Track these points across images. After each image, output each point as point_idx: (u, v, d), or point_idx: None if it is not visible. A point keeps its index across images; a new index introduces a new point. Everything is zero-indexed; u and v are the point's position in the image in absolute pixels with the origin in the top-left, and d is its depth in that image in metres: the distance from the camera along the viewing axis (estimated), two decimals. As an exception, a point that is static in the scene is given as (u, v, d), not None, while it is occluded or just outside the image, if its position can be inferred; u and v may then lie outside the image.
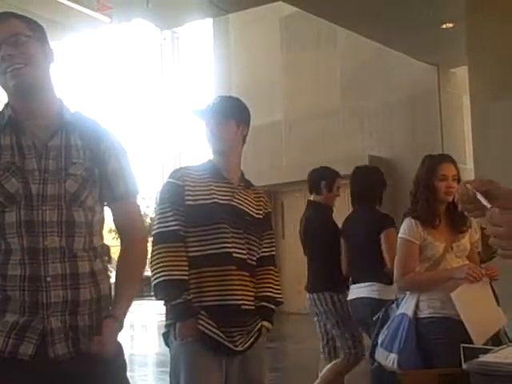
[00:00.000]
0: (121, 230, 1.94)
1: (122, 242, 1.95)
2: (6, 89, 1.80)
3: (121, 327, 1.85)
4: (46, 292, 1.71)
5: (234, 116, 2.59)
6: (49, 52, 1.85)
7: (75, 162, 1.80)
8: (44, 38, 1.86)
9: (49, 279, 1.71)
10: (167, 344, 2.50)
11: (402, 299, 3.19)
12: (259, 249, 2.58)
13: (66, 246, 1.75)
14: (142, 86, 17.62)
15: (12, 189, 1.72)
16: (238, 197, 2.54)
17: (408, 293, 3.16)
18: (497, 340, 2.99)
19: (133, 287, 1.94)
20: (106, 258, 1.92)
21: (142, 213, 17.30)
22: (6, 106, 1.82)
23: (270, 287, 2.58)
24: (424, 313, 3.03)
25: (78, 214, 1.78)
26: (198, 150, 15.60)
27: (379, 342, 3.17)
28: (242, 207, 2.53)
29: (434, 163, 3.17)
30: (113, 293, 1.91)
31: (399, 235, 3.15)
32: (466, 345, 2.53)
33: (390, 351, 3.06)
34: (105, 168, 1.85)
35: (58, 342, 1.72)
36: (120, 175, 1.89)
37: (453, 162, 3.21)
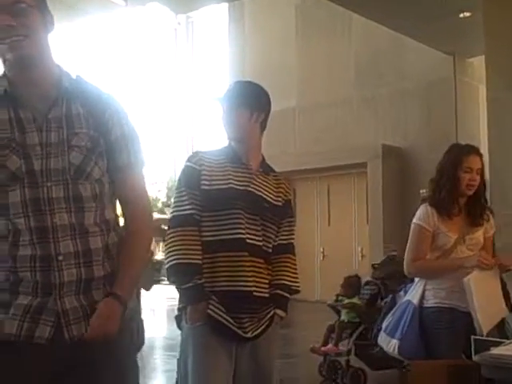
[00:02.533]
0: (123, 203, 1.81)
1: (124, 216, 1.83)
2: (2, 60, 1.69)
3: (124, 308, 1.74)
4: (58, 271, 1.64)
5: (247, 103, 2.54)
6: (49, 20, 1.74)
7: (78, 133, 1.70)
8: (45, 5, 1.74)
9: (60, 258, 1.64)
10: (179, 327, 2.51)
11: (410, 287, 3.20)
12: (276, 236, 2.56)
13: (76, 222, 1.67)
14: (155, 70, 17.59)
15: (13, 166, 1.63)
16: (255, 182, 2.52)
17: (416, 280, 3.16)
18: (503, 332, 3.00)
19: (137, 264, 1.82)
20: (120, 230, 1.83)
21: (154, 197, 17.36)
22: (1, 77, 1.72)
23: (287, 275, 2.56)
24: (429, 302, 3.04)
25: (84, 188, 1.69)
26: (210, 135, 15.58)
27: (383, 327, 3.19)
28: (259, 193, 2.51)
29: (461, 154, 3.13)
30: None
31: (414, 221, 3.14)
32: (477, 337, 2.53)
33: (392, 337, 3.09)
34: (109, 136, 1.75)
35: (73, 323, 1.65)
36: (124, 144, 1.77)
37: (479, 154, 3.16)
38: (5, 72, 1.72)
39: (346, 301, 5.66)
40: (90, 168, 1.70)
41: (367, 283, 5.65)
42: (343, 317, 5.65)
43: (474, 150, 3.17)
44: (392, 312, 3.20)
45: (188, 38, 18.02)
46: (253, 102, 2.55)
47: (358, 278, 5.98)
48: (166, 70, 17.90)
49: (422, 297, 3.05)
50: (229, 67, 13.80)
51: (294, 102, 11.98)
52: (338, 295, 5.89)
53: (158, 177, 16.91)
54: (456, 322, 2.94)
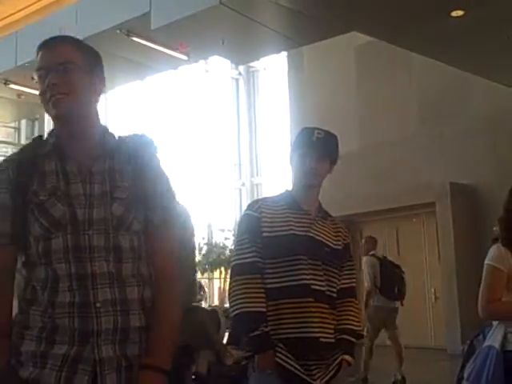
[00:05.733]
0: (154, 260, 1.80)
1: (154, 273, 1.80)
2: (49, 116, 1.80)
3: (166, 379, 1.72)
4: (96, 318, 1.65)
5: (331, 156, 2.61)
6: (98, 83, 1.83)
7: (120, 186, 1.76)
8: (97, 67, 1.84)
9: (98, 305, 1.65)
10: (247, 376, 2.50)
11: (489, 331, 3.07)
12: (339, 280, 2.55)
13: (115, 272, 1.70)
14: (219, 119, 18.00)
15: (57, 214, 1.68)
16: (315, 228, 2.53)
17: (495, 324, 3.04)
18: None
19: (172, 327, 1.77)
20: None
21: (222, 244, 17.46)
22: (51, 132, 1.83)
23: (351, 319, 2.54)
24: None
25: (124, 239, 1.73)
26: (276, 182, 15.67)
27: (465, 375, 3.05)
28: (319, 238, 2.52)
29: None
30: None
31: (486, 261, 3.04)
32: None
33: None
34: (147, 193, 1.79)
35: (107, 373, 1.64)
36: (159, 201, 1.81)
37: None
38: (54, 128, 1.83)
39: None
40: (130, 220, 1.74)
41: None
42: None
43: None
44: (473, 359, 3.06)
45: (249, 87, 18.38)
46: (334, 155, 2.62)
47: None
48: (230, 120, 18.28)
49: (505, 339, 2.91)
50: (290, 113, 13.95)
51: (357, 144, 11.93)
52: None
53: (225, 224, 17.05)
54: None
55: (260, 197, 2.72)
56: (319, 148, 2.55)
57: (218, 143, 17.72)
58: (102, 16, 8.02)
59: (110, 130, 1.87)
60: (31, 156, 1.77)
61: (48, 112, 1.79)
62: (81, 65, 1.78)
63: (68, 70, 1.75)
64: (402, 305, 7.77)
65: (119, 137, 1.87)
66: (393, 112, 11.66)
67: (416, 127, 11.37)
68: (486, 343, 3.02)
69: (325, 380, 2.39)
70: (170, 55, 8.30)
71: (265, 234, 2.46)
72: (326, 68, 12.88)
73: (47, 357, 1.64)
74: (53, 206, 1.69)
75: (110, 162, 1.78)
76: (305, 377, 2.36)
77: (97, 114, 1.85)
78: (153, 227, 1.79)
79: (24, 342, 1.67)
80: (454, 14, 6.80)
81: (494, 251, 3.02)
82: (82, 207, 1.70)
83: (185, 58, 8.42)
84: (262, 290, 2.41)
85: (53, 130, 1.83)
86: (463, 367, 3.11)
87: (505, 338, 2.93)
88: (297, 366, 2.36)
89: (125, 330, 1.68)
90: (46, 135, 1.85)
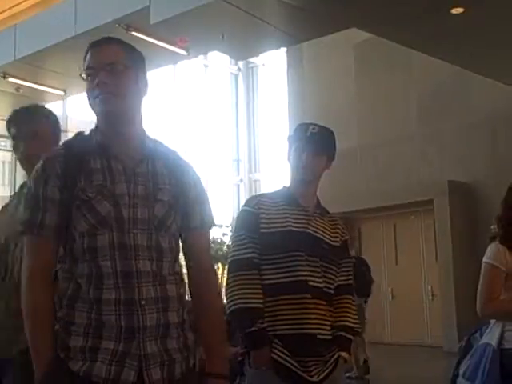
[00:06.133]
0: (191, 260, 1.92)
1: (192, 276, 1.92)
2: (95, 113, 1.85)
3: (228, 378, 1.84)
4: (141, 316, 1.70)
5: (327, 151, 2.59)
6: (143, 84, 1.88)
7: (162, 188, 1.82)
8: (142, 69, 1.89)
9: (143, 302, 1.71)
10: (243, 372, 2.50)
11: (486, 328, 3.07)
12: (336, 277, 2.55)
13: (157, 270, 1.76)
14: (218, 114, 17.96)
15: (104, 211, 1.73)
16: (313, 224, 2.53)
17: (492, 322, 3.03)
18: None
19: (222, 326, 1.91)
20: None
21: (219, 240, 17.53)
22: (95, 130, 1.86)
23: (349, 316, 2.54)
24: (510, 343, 2.90)
25: (164, 240, 1.79)
26: (274, 178, 15.65)
27: (461, 372, 3.05)
28: (317, 235, 2.52)
29: None
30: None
31: (484, 260, 3.04)
32: None
33: (473, 382, 2.94)
34: (186, 197, 1.87)
35: (152, 368, 1.71)
36: (197, 206, 1.90)
37: None
38: (97, 125, 1.86)
39: None
40: (170, 222, 1.81)
41: None
42: None
43: None
44: (469, 356, 3.07)
45: (248, 83, 18.34)
46: (330, 151, 2.60)
47: None
48: (228, 115, 18.24)
49: (502, 338, 2.92)
50: (289, 110, 13.93)
51: (356, 142, 11.92)
52: None
53: (223, 220, 17.06)
54: None
55: (258, 193, 2.69)
56: (314, 143, 2.54)
57: (216, 139, 17.69)
58: (100, 10, 7.99)
59: (147, 135, 1.91)
60: (78, 152, 1.80)
61: (94, 108, 1.82)
62: (128, 66, 1.83)
63: (117, 70, 1.80)
64: (365, 302, 7.83)
65: (157, 141, 1.92)
66: (391, 109, 11.66)
67: (415, 124, 11.37)
68: (483, 341, 3.02)
69: (321, 376, 2.39)
70: (170, 50, 8.28)
71: (262, 230, 2.45)
72: (324, 65, 12.86)
73: (97, 351, 1.68)
74: (100, 204, 1.74)
75: (151, 165, 1.84)
76: (301, 373, 2.36)
77: (141, 117, 1.89)
78: (190, 231, 1.89)
79: (71, 338, 1.71)
80: (453, 11, 6.79)
81: (492, 249, 3.01)
82: (126, 206, 1.76)
83: (184, 52, 8.40)
84: (259, 286, 2.40)
85: (96, 127, 1.86)
86: (459, 364, 3.11)
87: (502, 336, 2.92)
88: (293, 363, 2.36)
89: (166, 327, 1.75)
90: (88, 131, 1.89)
